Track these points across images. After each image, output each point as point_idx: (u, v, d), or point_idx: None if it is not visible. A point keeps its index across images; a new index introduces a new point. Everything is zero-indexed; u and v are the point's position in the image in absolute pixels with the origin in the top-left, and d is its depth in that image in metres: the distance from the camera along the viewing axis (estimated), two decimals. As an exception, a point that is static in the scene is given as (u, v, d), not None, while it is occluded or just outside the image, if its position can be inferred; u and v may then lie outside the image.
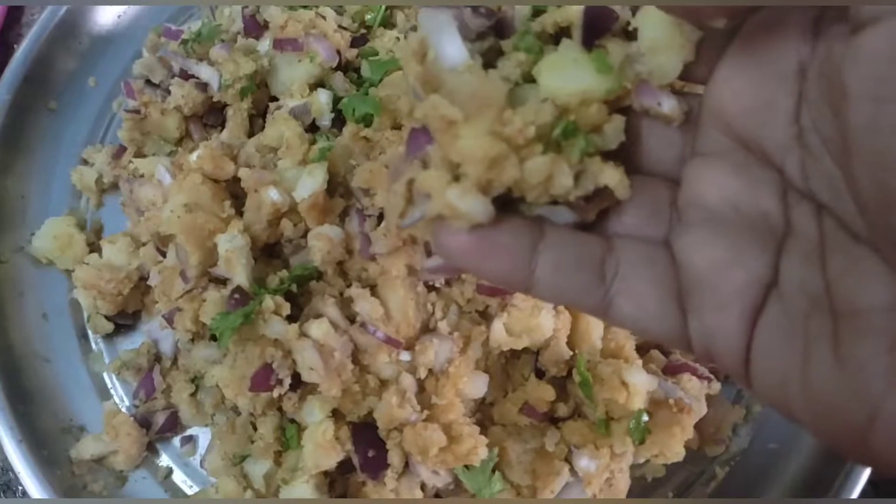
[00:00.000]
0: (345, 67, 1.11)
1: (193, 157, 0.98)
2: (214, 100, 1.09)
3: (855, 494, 0.92)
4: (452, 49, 0.45)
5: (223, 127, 1.11)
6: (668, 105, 0.47)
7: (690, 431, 0.91)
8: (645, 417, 0.90)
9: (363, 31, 1.15)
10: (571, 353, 0.95)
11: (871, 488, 1.05)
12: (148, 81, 1.20)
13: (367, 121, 1.00)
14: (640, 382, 0.90)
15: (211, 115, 1.13)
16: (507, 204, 0.46)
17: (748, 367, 0.42)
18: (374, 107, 0.99)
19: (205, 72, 1.08)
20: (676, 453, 0.91)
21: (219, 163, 0.97)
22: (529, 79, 0.47)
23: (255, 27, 1.12)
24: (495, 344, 0.93)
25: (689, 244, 0.45)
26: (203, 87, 1.09)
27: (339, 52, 1.08)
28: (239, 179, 0.97)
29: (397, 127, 0.98)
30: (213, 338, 1.00)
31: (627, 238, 0.48)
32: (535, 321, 0.93)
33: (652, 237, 0.48)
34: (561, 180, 0.44)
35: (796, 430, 1.01)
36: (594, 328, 0.96)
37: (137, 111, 1.11)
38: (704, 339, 0.43)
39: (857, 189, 0.37)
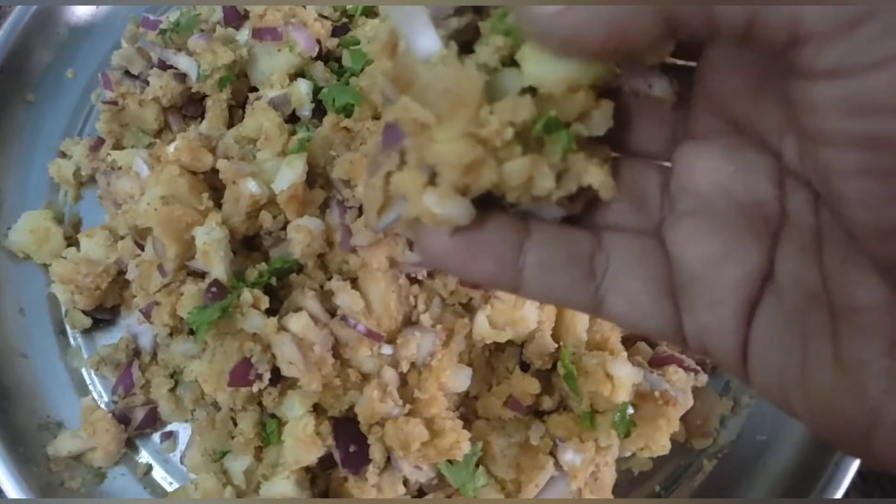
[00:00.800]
0: (325, 57, 1.10)
1: (171, 148, 0.96)
2: (193, 90, 1.08)
3: (844, 485, 0.91)
4: (425, 39, 0.43)
5: (202, 118, 1.09)
6: (660, 87, 0.45)
7: (676, 424, 0.90)
8: (630, 410, 0.89)
9: (345, 20, 1.13)
10: (556, 345, 0.94)
11: (860, 479, 1.05)
12: (127, 72, 1.18)
13: (347, 111, 0.99)
14: (625, 375, 0.89)
15: (190, 107, 1.11)
16: (488, 200, 0.44)
17: (745, 363, 0.41)
18: (354, 96, 0.97)
19: (183, 62, 1.06)
20: (662, 446, 0.90)
21: (196, 154, 0.96)
22: (509, 62, 0.45)
23: (235, 16, 1.10)
24: (479, 337, 0.91)
25: (681, 237, 0.43)
26: (182, 77, 1.07)
27: (319, 42, 1.06)
28: (217, 171, 0.96)
29: (378, 117, 0.96)
30: (192, 332, 0.98)
31: (617, 231, 0.46)
32: (519, 313, 0.91)
33: (643, 227, 0.46)
34: (542, 182, 0.42)
35: (785, 421, 1.00)
36: (579, 320, 0.95)
37: (115, 102, 1.09)
38: (699, 336, 0.42)
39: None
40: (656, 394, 0.90)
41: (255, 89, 1.09)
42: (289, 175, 0.92)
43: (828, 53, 0.32)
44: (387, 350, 0.89)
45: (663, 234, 0.45)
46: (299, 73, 1.06)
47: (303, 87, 1.03)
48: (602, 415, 0.90)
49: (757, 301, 0.41)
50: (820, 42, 0.32)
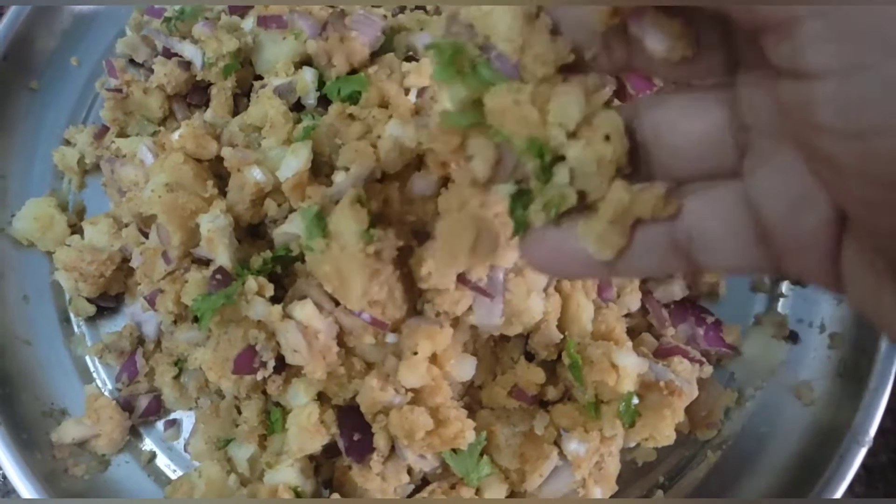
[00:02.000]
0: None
1: (175, 136, 0.96)
2: (198, 78, 1.07)
3: (849, 477, 0.91)
4: None
5: (207, 106, 1.09)
6: (652, 39, 0.45)
7: (681, 414, 0.90)
8: (635, 400, 0.89)
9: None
10: (561, 336, 0.93)
11: (864, 472, 1.04)
12: (131, 61, 1.18)
13: (353, 98, 0.98)
14: (631, 365, 0.88)
15: (195, 95, 1.10)
16: None
17: (844, 289, 0.43)
18: (360, 83, 0.97)
19: (188, 50, 1.06)
20: (667, 437, 0.90)
21: (201, 142, 0.95)
22: None
23: (241, 9, 1.10)
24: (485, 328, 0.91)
25: (762, 184, 0.43)
26: (186, 65, 1.07)
27: (325, 27, 1.05)
28: (222, 159, 0.95)
29: (384, 105, 0.96)
30: (196, 319, 0.98)
31: (697, 191, 0.47)
32: (525, 304, 0.91)
33: (721, 170, 0.46)
34: None
35: (789, 414, 1.00)
36: (584, 311, 0.95)
37: (119, 90, 1.08)
38: (794, 275, 0.44)
39: None
40: (661, 384, 0.89)
41: (259, 77, 1.08)
42: (293, 163, 0.92)
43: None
44: (391, 339, 0.89)
45: (744, 176, 0.45)
46: (304, 62, 1.05)
47: (308, 75, 1.02)
48: (607, 405, 0.90)
49: (839, 242, 0.41)
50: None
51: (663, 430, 0.89)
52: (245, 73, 1.08)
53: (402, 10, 1.11)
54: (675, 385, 0.89)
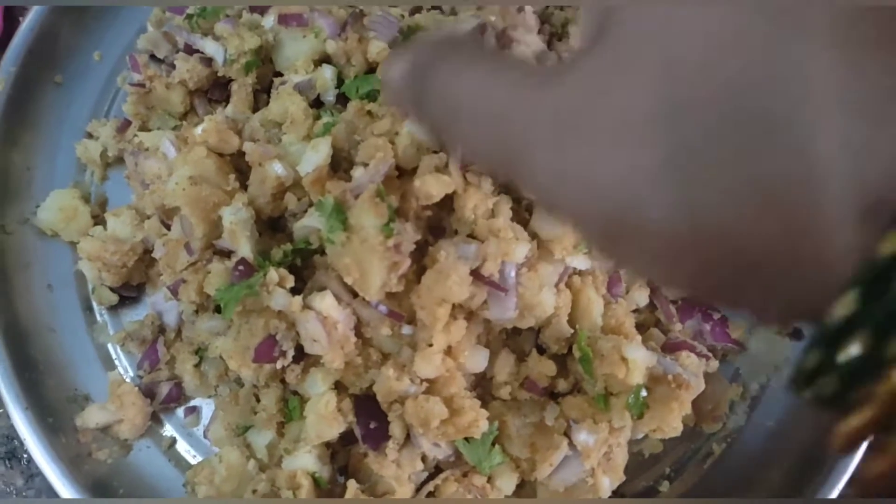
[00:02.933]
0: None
1: (198, 130, 0.98)
2: (219, 74, 1.10)
3: (849, 472, 0.93)
4: None
5: (227, 102, 1.11)
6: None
7: (688, 406, 0.92)
8: (644, 392, 0.91)
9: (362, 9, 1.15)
10: (572, 330, 0.96)
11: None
12: (152, 56, 1.20)
13: (371, 96, 1.01)
14: (640, 358, 0.91)
15: (215, 90, 1.13)
16: None
17: None
18: (378, 82, 0.99)
19: (210, 46, 1.08)
20: (674, 428, 0.92)
21: (224, 136, 0.98)
22: None
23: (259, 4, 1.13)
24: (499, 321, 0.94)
25: None
26: (208, 61, 1.09)
27: (345, 27, 1.08)
28: (243, 154, 0.98)
29: None
30: (217, 309, 1.00)
31: None
32: (537, 299, 0.93)
33: None
34: None
35: (794, 408, 1.03)
36: (595, 305, 0.97)
37: (142, 85, 1.11)
38: None
39: None
40: (669, 377, 0.92)
41: (279, 74, 1.11)
42: (314, 158, 0.94)
43: None
44: (407, 330, 0.91)
45: None
46: (324, 59, 1.08)
47: (327, 72, 1.05)
48: (616, 397, 0.92)
49: None
50: None
51: (671, 422, 0.92)
52: (265, 70, 1.10)
53: (419, 9, 1.13)
54: (683, 378, 0.92)
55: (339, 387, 0.94)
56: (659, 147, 0.38)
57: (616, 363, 0.91)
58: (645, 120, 0.38)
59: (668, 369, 0.93)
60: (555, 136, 0.42)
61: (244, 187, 0.98)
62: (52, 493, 0.95)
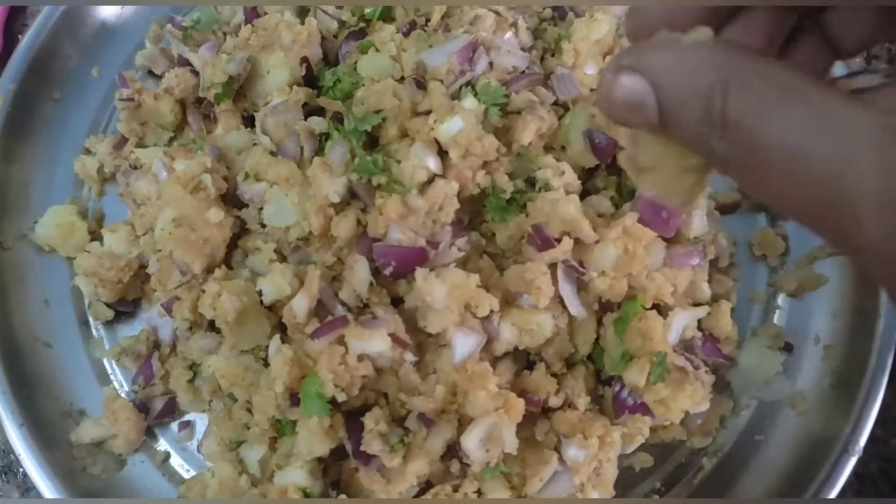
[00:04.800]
0: (334, 62, 1.13)
1: (180, 166, 1.00)
2: (200, 95, 1.11)
3: (839, 484, 0.94)
4: None
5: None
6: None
7: (699, 398, 0.93)
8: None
9: (362, 24, 1.16)
10: (573, 349, 0.99)
11: (856, 479, 1.07)
12: (150, 73, 1.22)
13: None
14: (679, 321, 0.95)
15: (209, 105, 1.13)
16: None
17: None
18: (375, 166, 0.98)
19: (198, 60, 1.10)
20: (679, 411, 0.93)
21: (216, 185, 1.00)
22: None
23: (254, 17, 1.14)
24: (506, 344, 0.96)
25: None
26: (197, 73, 1.10)
27: (305, 61, 1.09)
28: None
29: (405, 134, 0.99)
30: (211, 327, 1.02)
31: None
32: (535, 319, 0.95)
33: None
34: None
35: (782, 423, 1.03)
36: (590, 326, 0.99)
37: (131, 99, 1.12)
38: None
39: None
40: (689, 369, 0.93)
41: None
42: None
43: None
44: (409, 357, 0.93)
45: None
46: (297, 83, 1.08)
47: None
48: (637, 361, 0.94)
49: None
50: None
51: (680, 402, 0.92)
52: (251, 92, 1.11)
53: (413, 27, 1.14)
54: (701, 373, 0.94)
55: (331, 403, 0.94)
56: None
57: (652, 319, 0.93)
58: None
59: (687, 363, 0.94)
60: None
61: (235, 206, 1.00)
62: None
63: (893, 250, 0.40)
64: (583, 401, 0.98)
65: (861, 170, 0.39)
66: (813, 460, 0.98)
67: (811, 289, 1.09)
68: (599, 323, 1.00)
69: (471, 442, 0.90)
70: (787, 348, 1.07)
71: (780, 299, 1.11)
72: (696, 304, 1.02)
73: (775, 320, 1.10)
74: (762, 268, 1.13)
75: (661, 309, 0.98)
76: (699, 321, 1.02)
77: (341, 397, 0.89)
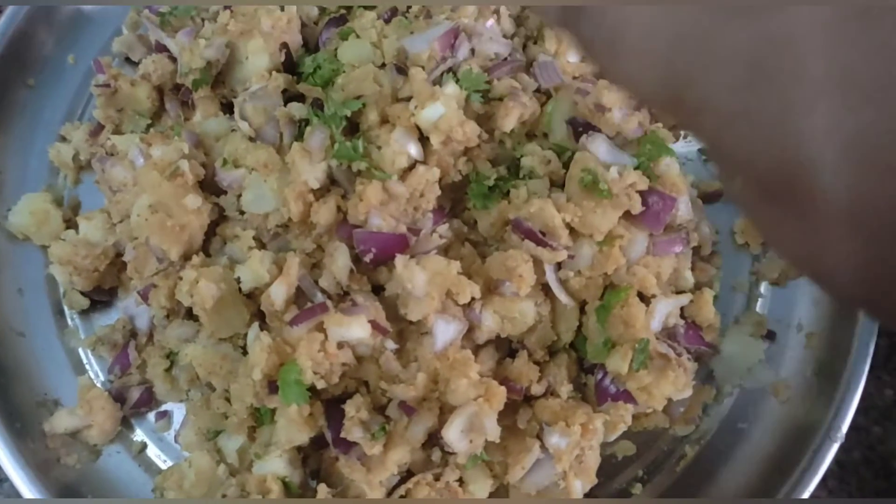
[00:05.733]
0: (314, 48, 1.11)
1: (157, 152, 0.98)
2: (178, 81, 1.10)
3: (820, 473, 0.94)
4: None
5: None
6: None
7: (681, 385, 0.93)
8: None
9: (342, 10, 1.15)
10: (555, 337, 0.98)
11: (837, 467, 1.07)
12: (127, 59, 1.20)
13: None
14: (661, 309, 0.95)
15: (187, 92, 1.12)
16: None
17: None
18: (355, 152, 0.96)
19: (175, 46, 1.08)
20: (662, 397, 0.93)
21: (193, 171, 0.98)
22: None
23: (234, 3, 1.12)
24: (488, 332, 0.95)
25: None
26: (174, 58, 1.09)
27: (285, 47, 1.07)
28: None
29: (386, 120, 0.98)
30: (189, 315, 1.00)
31: None
32: (518, 307, 0.94)
33: None
34: None
35: (765, 410, 1.03)
36: (572, 314, 0.98)
37: (107, 85, 1.10)
38: None
39: None
40: (671, 356, 0.93)
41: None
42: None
43: None
44: (390, 345, 0.92)
45: None
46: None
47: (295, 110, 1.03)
48: (619, 348, 0.93)
49: None
50: None
51: (662, 388, 0.92)
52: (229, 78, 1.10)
53: (394, 13, 1.12)
54: (683, 360, 0.93)
55: (311, 391, 0.93)
56: (864, 114, 0.35)
57: (635, 306, 0.92)
58: (862, 84, 0.35)
59: (669, 350, 0.94)
60: (748, 75, 0.38)
61: (213, 192, 0.99)
62: (19, 498, 0.94)
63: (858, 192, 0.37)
64: (565, 389, 0.97)
65: (717, 39, 0.39)
66: (795, 447, 0.97)
67: (794, 277, 1.09)
68: (582, 311, 1.00)
69: (453, 432, 0.89)
70: (770, 336, 1.07)
71: (763, 287, 1.11)
72: (679, 292, 1.01)
73: (758, 308, 1.10)
74: (745, 256, 1.13)
75: (644, 296, 0.97)
76: (682, 309, 1.02)
77: (321, 385, 0.88)
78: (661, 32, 0.42)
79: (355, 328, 0.89)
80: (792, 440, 0.99)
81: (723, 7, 0.39)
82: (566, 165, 1.00)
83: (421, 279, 0.90)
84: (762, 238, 0.44)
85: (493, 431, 0.89)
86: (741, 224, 1.12)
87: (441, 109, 0.94)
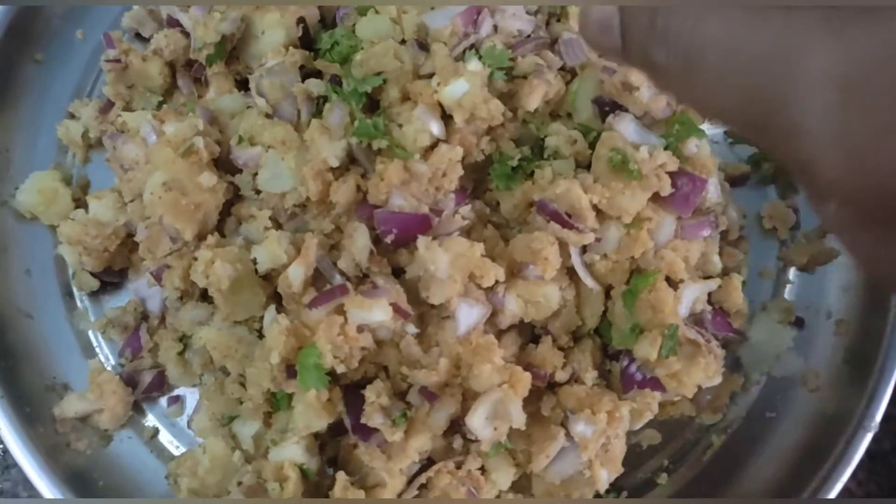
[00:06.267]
0: (332, 24, 1.08)
1: (170, 128, 0.95)
2: (191, 57, 1.06)
3: (854, 463, 0.91)
4: None
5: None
6: None
7: (712, 372, 0.90)
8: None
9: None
10: (580, 322, 0.96)
11: (868, 459, 1.04)
12: (138, 35, 1.16)
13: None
14: (689, 294, 0.92)
15: (200, 69, 1.08)
16: None
17: None
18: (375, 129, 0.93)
19: (188, 20, 1.05)
20: (692, 385, 0.90)
21: (208, 148, 0.95)
22: None
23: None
24: (511, 316, 0.92)
25: None
26: (187, 33, 1.06)
27: (302, 21, 1.04)
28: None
29: (407, 97, 0.95)
30: (203, 297, 0.98)
31: None
32: (541, 291, 0.91)
33: None
34: None
35: (794, 399, 1.01)
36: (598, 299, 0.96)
37: (118, 60, 1.06)
38: None
39: None
40: (701, 342, 0.90)
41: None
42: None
43: None
44: (411, 329, 0.90)
45: None
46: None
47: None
48: (647, 334, 0.90)
49: None
50: None
51: (693, 376, 0.89)
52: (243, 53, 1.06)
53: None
54: (713, 346, 0.91)
55: (330, 376, 0.90)
56: None
57: (663, 291, 0.90)
58: None
59: (699, 336, 0.91)
60: (842, 96, 0.37)
61: (227, 171, 0.96)
62: (28, 484, 0.91)
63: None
64: (590, 375, 0.95)
65: (808, 60, 0.38)
66: (826, 438, 0.95)
67: (822, 262, 1.07)
68: (607, 296, 0.97)
69: (477, 419, 0.86)
70: (798, 323, 1.04)
71: (791, 273, 1.08)
72: (706, 277, 0.99)
73: (786, 295, 1.08)
74: (772, 241, 1.10)
75: (672, 281, 0.94)
76: (709, 295, 0.99)
77: (340, 369, 0.85)
78: (743, 54, 0.41)
79: (377, 311, 0.86)
80: (822, 430, 0.97)
81: (806, 24, 0.38)
82: (591, 146, 0.97)
83: (444, 261, 0.87)
84: (858, 262, 0.42)
85: (519, 418, 0.87)
86: (768, 208, 1.10)
87: (465, 86, 0.91)
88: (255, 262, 0.91)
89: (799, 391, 1.01)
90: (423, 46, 0.98)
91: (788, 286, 1.08)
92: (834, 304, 1.04)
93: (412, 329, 0.90)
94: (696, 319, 0.99)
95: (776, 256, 1.09)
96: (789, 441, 0.99)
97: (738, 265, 1.06)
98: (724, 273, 1.01)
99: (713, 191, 0.97)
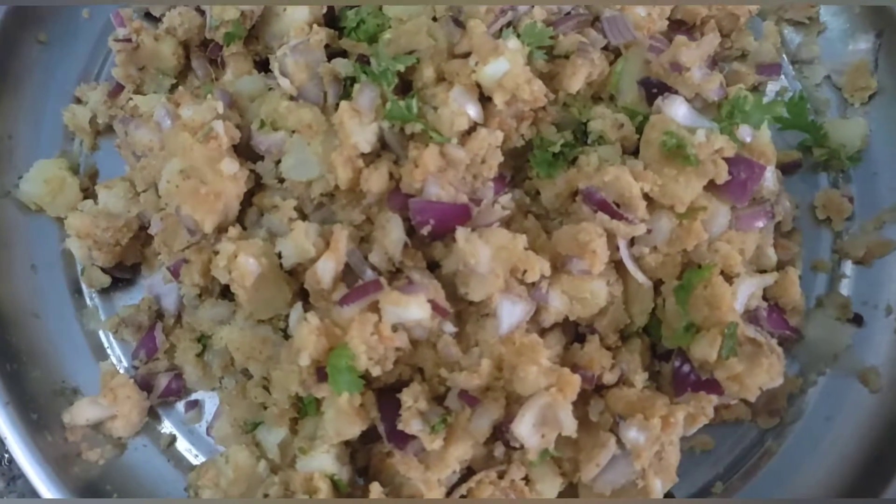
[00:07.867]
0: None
1: (188, 112, 0.89)
2: (207, 37, 1.01)
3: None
4: None
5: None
6: None
7: (775, 373, 0.84)
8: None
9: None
10: (628, 320, 0.90)
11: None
12: (147, 15, 1.10)
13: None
14: (744, 290, 0.87)
15: (215, 49, 1.03)
16: None
17: None
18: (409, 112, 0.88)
19: (205, -3, 0.99)
20: (754, 387, 0.84)
21: (228, 133, 0.89)
22: None
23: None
24: (555, 315, 0.86)
25: None
26: (203, 12, 1.00)
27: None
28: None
29: (442, 77, 0.89)
30: (224, 294, 0.92)
31: None
32: (588, 286, 0.86)
33: None
34: None
35: (854, 401, 0.95)
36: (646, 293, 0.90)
37: (129, 40, 1.01)
38: None
39: None
40: (763, 341, 0.84)
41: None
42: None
43: None
44: (448, 328, 0.84)
45: None
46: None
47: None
48: (705, 333, 0.84)
49: None
50: None
51: (756, 377, 0.84)
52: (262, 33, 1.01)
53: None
54: (774, 345, 0.85)
55: (364, 379, 0.84)
56: None
57: (719, 286, 0.84)
58: None
59: (759, 335, 0.86)
60: None
61: (249, 158, 0.90)
62: (35, 496, 0.86)
63: None
64: (640, 377, 0.89)
65: None
66: (891, 442, 0.90)
67: (880, 255, 1.01)
68: (656, 291, 0.91)
69: (524, 426, 0.80)
70: (857, 320, 0.99)
71: (847, 267, 1.03)
72: (761, 272, 0.93)
73: (841, 290, 1.02)
74: (826, 232, 1.05)
75: (726, 275, 0.88)
76: (763, 290, 0.93)
77: (375, 371, 0.80)
78: None
79: (414, 308, 0.80)
80: (886, 434, 0.91)
81: None
82: (638, 130, 0.91)
83: (485, 254, 0.81)
84: None
85: (569, 425, 0.80)
86: (821, 197, 1.04)
87: (505, 65, 0.85)
88: (280, 255, 0.85)
89: (860, 392, 0.96)
90: (459, 23, 0.92)
91: (844, 280, 1.02)
92: (894, 298, 0.99)
93: (450, 328, 0.84)
94: (750, 317, 0.93)
95: (830, 249, 1.04)
96: (850, 445, 0.94)
97: (792, 258, 1.00)
98: (779, 267, 0.95)
99: (770, 178, 0.91)
